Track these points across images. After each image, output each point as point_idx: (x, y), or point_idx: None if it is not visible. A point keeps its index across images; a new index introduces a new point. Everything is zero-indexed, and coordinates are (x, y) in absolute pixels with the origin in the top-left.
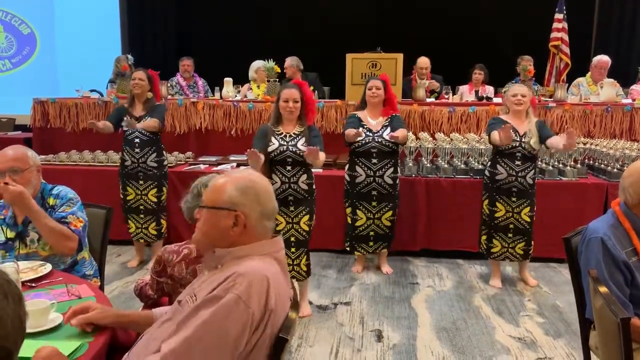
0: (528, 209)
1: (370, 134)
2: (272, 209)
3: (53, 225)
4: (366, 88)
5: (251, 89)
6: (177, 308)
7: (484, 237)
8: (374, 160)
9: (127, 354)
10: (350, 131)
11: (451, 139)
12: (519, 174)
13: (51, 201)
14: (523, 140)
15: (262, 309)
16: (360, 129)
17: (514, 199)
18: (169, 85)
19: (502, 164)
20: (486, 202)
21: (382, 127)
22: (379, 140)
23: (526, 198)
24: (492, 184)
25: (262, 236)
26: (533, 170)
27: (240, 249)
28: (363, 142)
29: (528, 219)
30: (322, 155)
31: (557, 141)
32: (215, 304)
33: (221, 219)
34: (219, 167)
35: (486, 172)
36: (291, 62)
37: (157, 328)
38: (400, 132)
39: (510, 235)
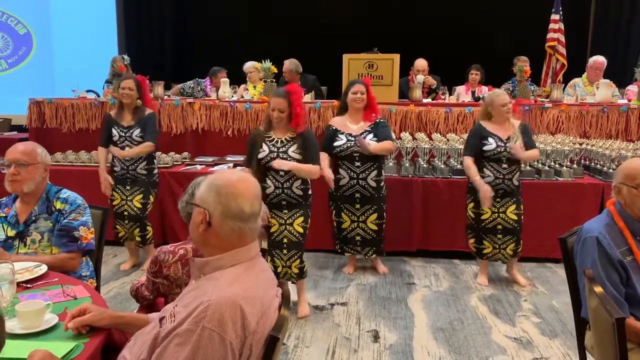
0: (514, 207)
1: (352, 139)
2: (236, 210)
3: (52, 264)
4: (349, 92)
5: (247, 89)
6: (156, 324)
7: (472, 240)
8: (357, 164)
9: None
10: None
11: (448, 140)
12: (506, 177)
13: (58, 205)
14: (507, 144)
15: (241, 335)
16: (341, 136)
17: (498, 199)
18: (190, 86)
19: (490, 167)
20: (471, 205)
21: (363, 132)
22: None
23: (511, 197)
24: None
25: (231, 237)
26: (518, 172)
27: (217, 259)
28: (344, 147)
29: (515, 217)
30: (310, 167)
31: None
32: (190, 341)
33: (195, 215)
34: (216, 168)
35: None
36: (289, 65)
37: (139, 336)
38: (382, 146)
39: (499, 236)
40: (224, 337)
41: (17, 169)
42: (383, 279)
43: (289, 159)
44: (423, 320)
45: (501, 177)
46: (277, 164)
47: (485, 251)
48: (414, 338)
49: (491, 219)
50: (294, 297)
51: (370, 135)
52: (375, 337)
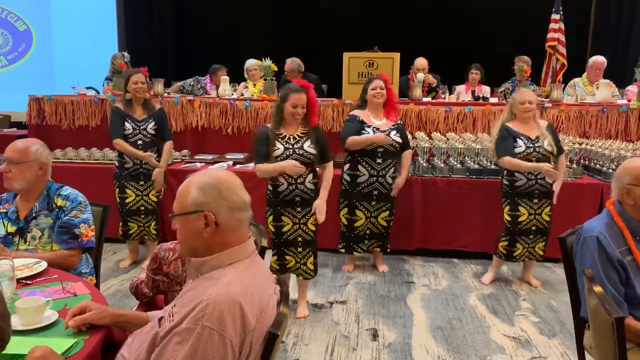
0: (548, 208)
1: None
2: (239, 201)
3: (52, 261)
4: (369, 88)
5: (247, 87)
6: (155, 324)
7: (504, 244)
8: (379, 160)
9: (118, 353)
10: (381, 137)
11: (447, 139)
12: (538, 177)
13: (59, 202)
14: (536, 144)
15: (241, 333)
16: (368, 129)
17: (536, 200)
18: (190, 84)
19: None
20: (507, 208)
21: (388, 129)
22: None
23: (547, 198)
24: (512, 190)
25: (235, 230)
26: None
27: (214, 258)
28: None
29: (548, 218)
30: (329, 181)
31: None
32: (189, 340)
33: (192, 223)
34: (215, 166)
35: (504, 180)
36: (291, 65)
37: (138, 335)
38: (408, 162)
39: (531, 236)
40: (223, 335)
41: (9, 166)
42: (382, 278)
43: (305, 154)
44: (422, 319)
45: (533, 178)
46: (319, 214)
47: (515, 253)
48: (413, 337)
49: (527, 220)
50: (293, 295)
51: (394, 132)
52: (374, 336)
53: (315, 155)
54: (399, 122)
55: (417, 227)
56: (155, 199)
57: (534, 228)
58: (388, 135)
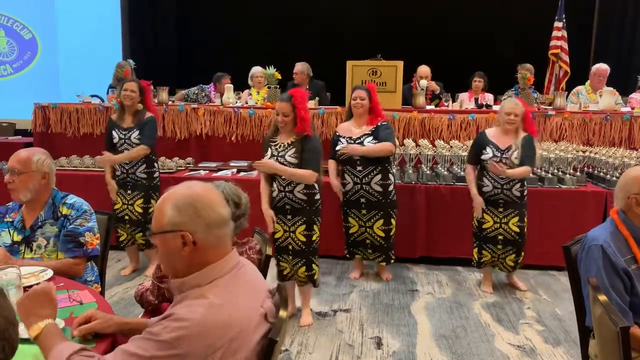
0: (516, 219)
1: (352, 142)
2: (217, 218)
3: (57, 269)
4: (351, 98)
5: (251, 95)
6: None
7: (475, 249)
8: (359, 168)
9: None
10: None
11: (451, 146)
12: (504, 187)
13: (64, 210)
14: (505, 155)
15: (202, 352)
16: (342, 140)
17: (501, 209)
18: (194, 92)
19: (487, 176)
20: (475, 213)
21: (363, 135)
22: None
23: (514, 209)
24: (481, 196)
25: (216, 246)
26: (520, 183)
27: (193, 278)
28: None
29: (517, 229)
30: (302, 172)
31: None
32: (144, 343)
33: (169, 242)
34: (219, 173)
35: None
36: (302, 68)
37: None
38: (374, 147)
39: (499, 246)
40: (174, 347)
41: (12, 177)
42: (386, 286)
43: (285, 163)
44: (426, 327)
45: (499, 187)
46: (257, 164)
47: (483, 259)
48: (417, 345)
49: (492, 228)
50: (299, 303)
51: (370, 138)
52: (379, 344)
53: (297, 164)
54: (379, 124)
55: (420, 235)
56: (140, 209)
57: (500, 237)
58: (362, 142)
